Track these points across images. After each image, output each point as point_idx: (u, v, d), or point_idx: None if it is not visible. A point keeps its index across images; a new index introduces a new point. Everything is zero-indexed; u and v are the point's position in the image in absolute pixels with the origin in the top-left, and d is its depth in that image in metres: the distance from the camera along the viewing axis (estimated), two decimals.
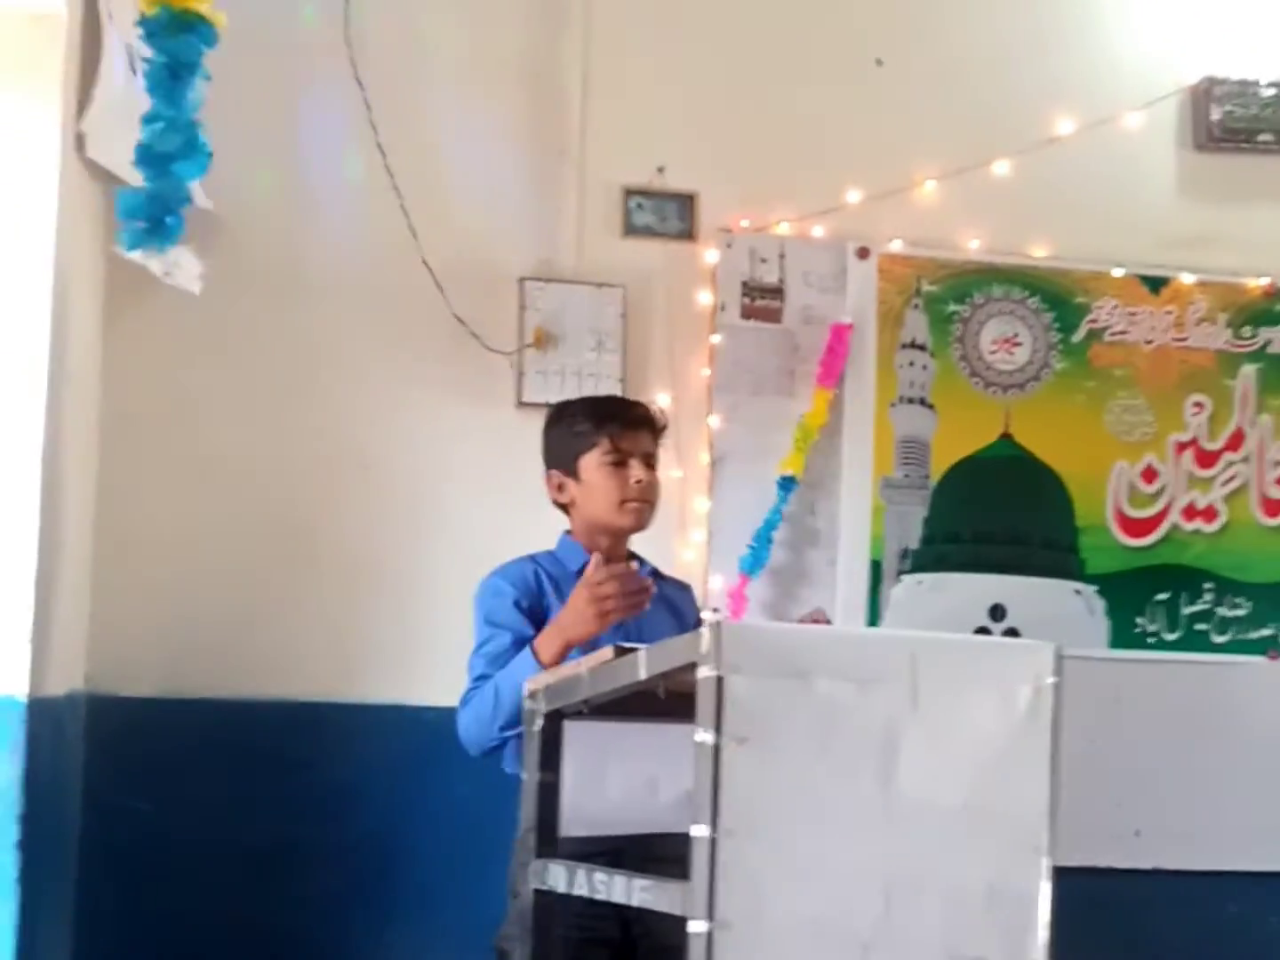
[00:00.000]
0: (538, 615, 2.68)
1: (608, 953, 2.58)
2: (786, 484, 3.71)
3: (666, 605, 2.81)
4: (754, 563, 3.68)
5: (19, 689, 2.67)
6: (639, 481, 2.73)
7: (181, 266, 2.62)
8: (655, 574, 2.87)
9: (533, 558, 2.80)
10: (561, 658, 2.55)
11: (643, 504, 2.75)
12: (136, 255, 2.56)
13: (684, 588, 3.00)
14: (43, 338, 2.81)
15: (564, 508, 2.85)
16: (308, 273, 3.59)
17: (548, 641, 2.57)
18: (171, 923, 3.33)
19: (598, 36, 3.74)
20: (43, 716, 2.78)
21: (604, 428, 2.75)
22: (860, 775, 1.95)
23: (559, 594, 2.69)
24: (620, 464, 2.74)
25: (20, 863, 2.65)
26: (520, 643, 2.63)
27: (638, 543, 2.88)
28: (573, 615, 2.56)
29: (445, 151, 3.66)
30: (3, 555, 2.72)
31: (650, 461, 2.79)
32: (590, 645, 2.52)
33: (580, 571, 2.68)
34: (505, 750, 2.64)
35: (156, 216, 2.52)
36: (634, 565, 2.68)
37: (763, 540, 3.68)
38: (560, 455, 2.81)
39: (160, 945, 3.33)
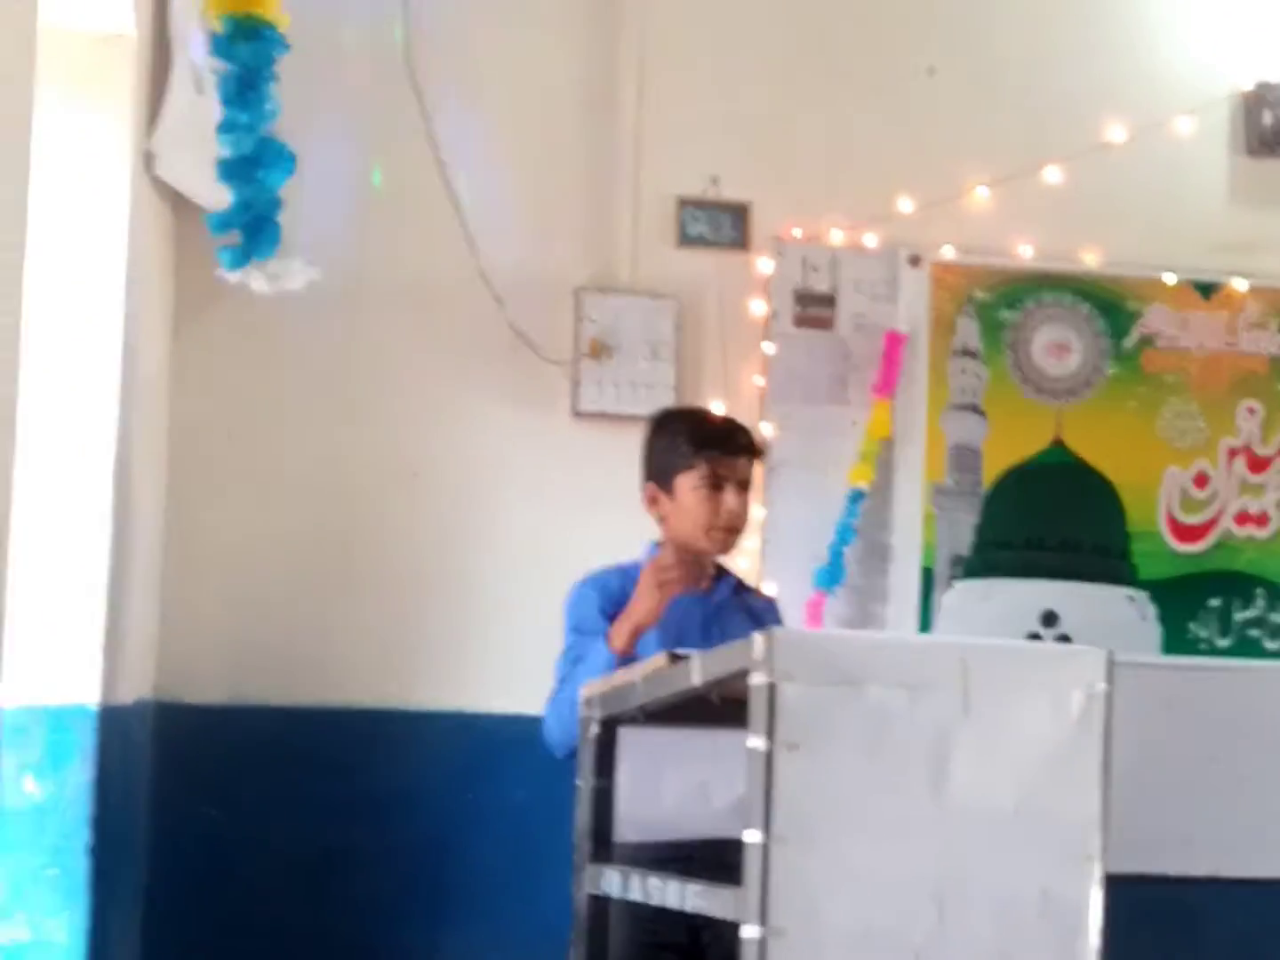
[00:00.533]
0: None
1: (675, 958, 2.61)
2: (856, 496, 3.72)
3: (749, 616, 2.82)
4: (831, 578, 3.69)
5: (91, 698, 2.74)
6: (730, 511, 2.76)
7: (288, 272, 2.61)
8: (740, 586, 2.91)
9: (620, 568, 2.83)
10: (631, 641, 2.60)
11: (729, 532, 2.78)
12: (239, 276, 2.55)
13: (769, 602, 3.02)
14: (114, 353, 2.87)
15: (657, 519, 2.87)
16: (368, 286, 3.63)
17: (617, 629, 2.63)
18: (236, 925, 3.39)
19: (652, 48, 3.77)
20: (113, 724, 2.83)
21: (704, 451, 2.77)
22: (911, 782, 1.96)
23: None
24: (716, 488, 2.76)
25: (91, 867, 2.71)
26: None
27: None
28: (638, 596, 2.62)
29: (502, 163, 3.70)
30: (76, 565, 2.78)
31: (745, 486, 2.81)
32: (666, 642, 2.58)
33: None
34: None
35: (251, 227, 2.51)
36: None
37: (837, 554, 3.69)
38: (658, 469, 2.83)
39: (226, 947, 3.39)
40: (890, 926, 1.92)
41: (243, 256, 2.51)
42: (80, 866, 2.70)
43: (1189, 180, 4.00)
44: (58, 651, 2.74)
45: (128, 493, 2.99)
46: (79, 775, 2.71)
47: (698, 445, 2.78)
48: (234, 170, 2.50)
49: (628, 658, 2.59)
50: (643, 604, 2.60)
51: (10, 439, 1.97)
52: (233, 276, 2.53)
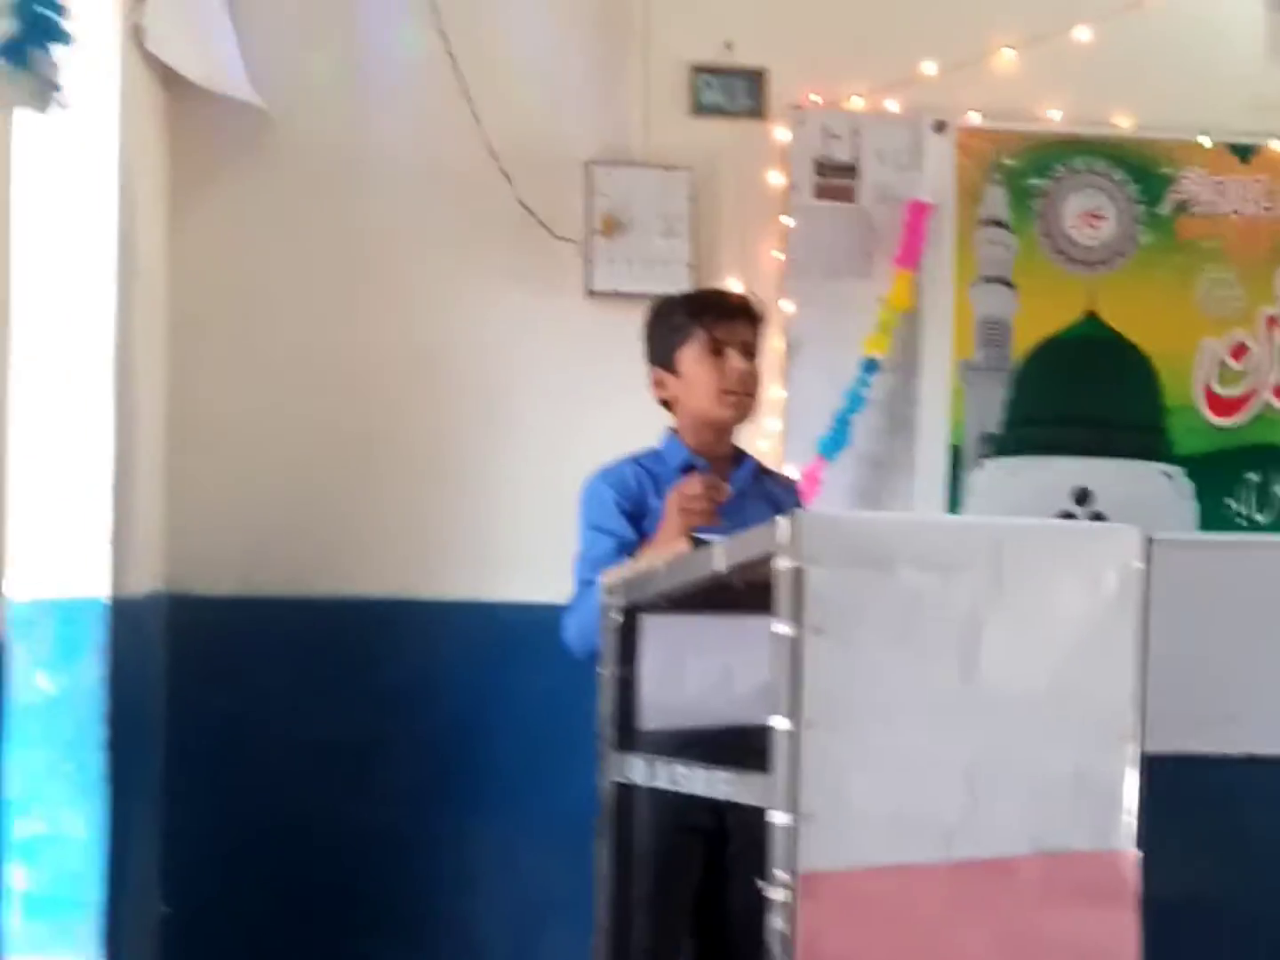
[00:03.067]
0: (639, 516, 2.67)
1: (702, 841, 2.60)
2: (869, 366, 3.63)
3: (768, 500, 2.77)
4: (833, 445, 3.61)
5: (102, 590, 2.71)
6: (737, 370, 2.70)
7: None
8: (760, 469, 2.86)
9: (635, 458, 2.79)
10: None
11: (743, 394, 2.72)
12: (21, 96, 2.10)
13: (789, 485, 2.97)
14: (110, 235, 2.81)
15: (667, 405, 2.81)
16: (370, 163, 3.54)
17: (641, 558, 2.56)
18: (255, 816, 3.39)
19: None
20: (125, 617, 2.81)
21: (699, 318, 2.72)
22: (943, 664, 1.93)
23: (659, 493, 2.67)
24: (718, 354, 2.71)
25: (108, 762, 2.70)
26: (623, 546, 2.63)
27: None
28: (663, 529, 2.57)
29: (508, 33, 3.58)
30: (81, 457, 2.74)
31: (749, 351, 2.75)
32: None
33: (682, 469, 2.69)
34: None
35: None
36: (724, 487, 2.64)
37: (842, 423, 3.61)
38: (659, 351, 2.78)
39: (245, 838, 3.39)
40: (921, 809, 1.91)
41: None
42: (96, 761, 2.70)
43: (1224, 38, 3.85)
44: (66, 544, 2.73)
45: (130, 382, 2.93)
46: (92, 669, 2.69)
47: (693, 314, 2.74)
48: None
49: None
50: (668, 535, 2.55)
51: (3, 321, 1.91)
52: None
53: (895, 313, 3.65)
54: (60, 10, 2.11)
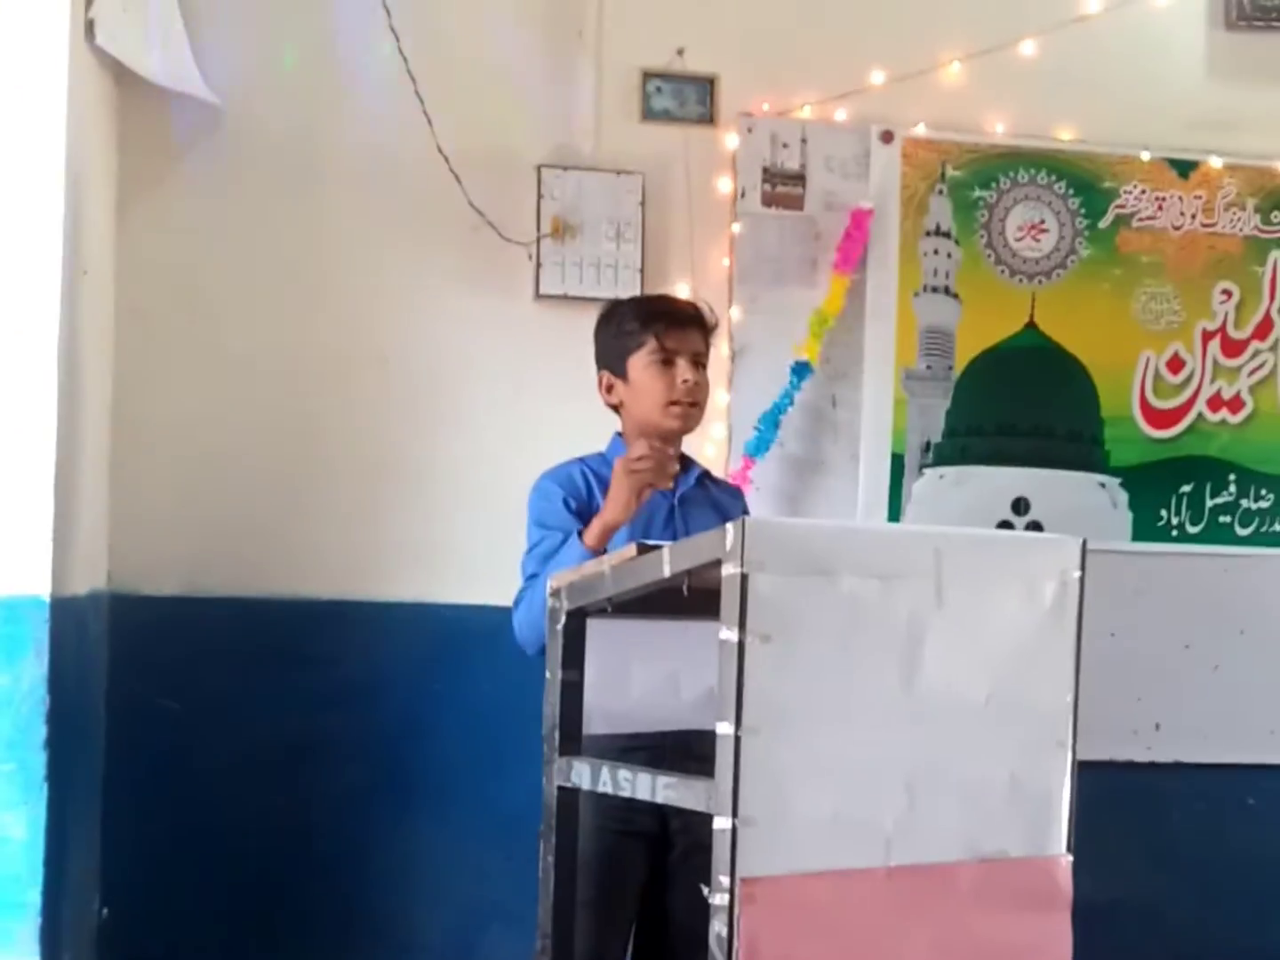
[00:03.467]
0: (586, 515, 2.67)
1: (644, 845, 2.61)
2: (800, 370, 3.65)
3: (714, 507, 2.80)
4: (758, 445, 3.62)
5: (42, 588, 2.68)
6: (685, 381, 2.70)
7: None
8: (705, 476, 2.87)
9: (581, 460, 2.80)
10: (604, 540, 2.57)
11: (690, 406, 2.73)
12: None
13: (734, 491, 2.99)
14: (56, 230, 2.77)
15: (615, 409, 2.83)
16: (321, 163, 3.52)
17: (590, 526, 2.59)
18: (195, 818, 3.37)
19: None
20: (66, 616, 2.79)
21: (651, 326, 2.72)
22: (884, 671, 1.96)
23: (605, 494, 2.66)
24: (668, 363, 2.72)
25: (48, 762, 2.67)
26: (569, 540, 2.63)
27: None
28: (610, 494, 2.58)
29: (460, 35, 3.57)
30: (22, 453, 2.71)
31: (699, 360, 2.76)
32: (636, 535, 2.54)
33: None
34: None
35: None
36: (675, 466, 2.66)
37: (769, 423, 3.62)
38: (609, 355, 2.78)
39: (184, 839, 3.37)
40: (861, 814, 1.94)
41: None
42: (37, 761, 2.67)
43: (1167, 55, 3.92)
44: (6, 541, 2.68)
45: (74, 378, 2.90)
46: (33, 669, 2.66)
47: (645, 322, 2.74)
48: None
49: (601, 555, 2.54)
50: (616, 500, 2.56)
51: None
52: None
53: (827, 317, 3.68)
54: None
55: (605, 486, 2.67)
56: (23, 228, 2.73)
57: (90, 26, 2.95)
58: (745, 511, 2.90)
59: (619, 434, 2.83)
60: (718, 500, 2.84)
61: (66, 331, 2.80)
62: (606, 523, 2.57)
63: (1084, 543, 2.11)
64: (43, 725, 2.66)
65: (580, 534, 2.59)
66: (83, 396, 3.01)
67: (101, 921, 3.31)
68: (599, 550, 2.55)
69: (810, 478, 3.71)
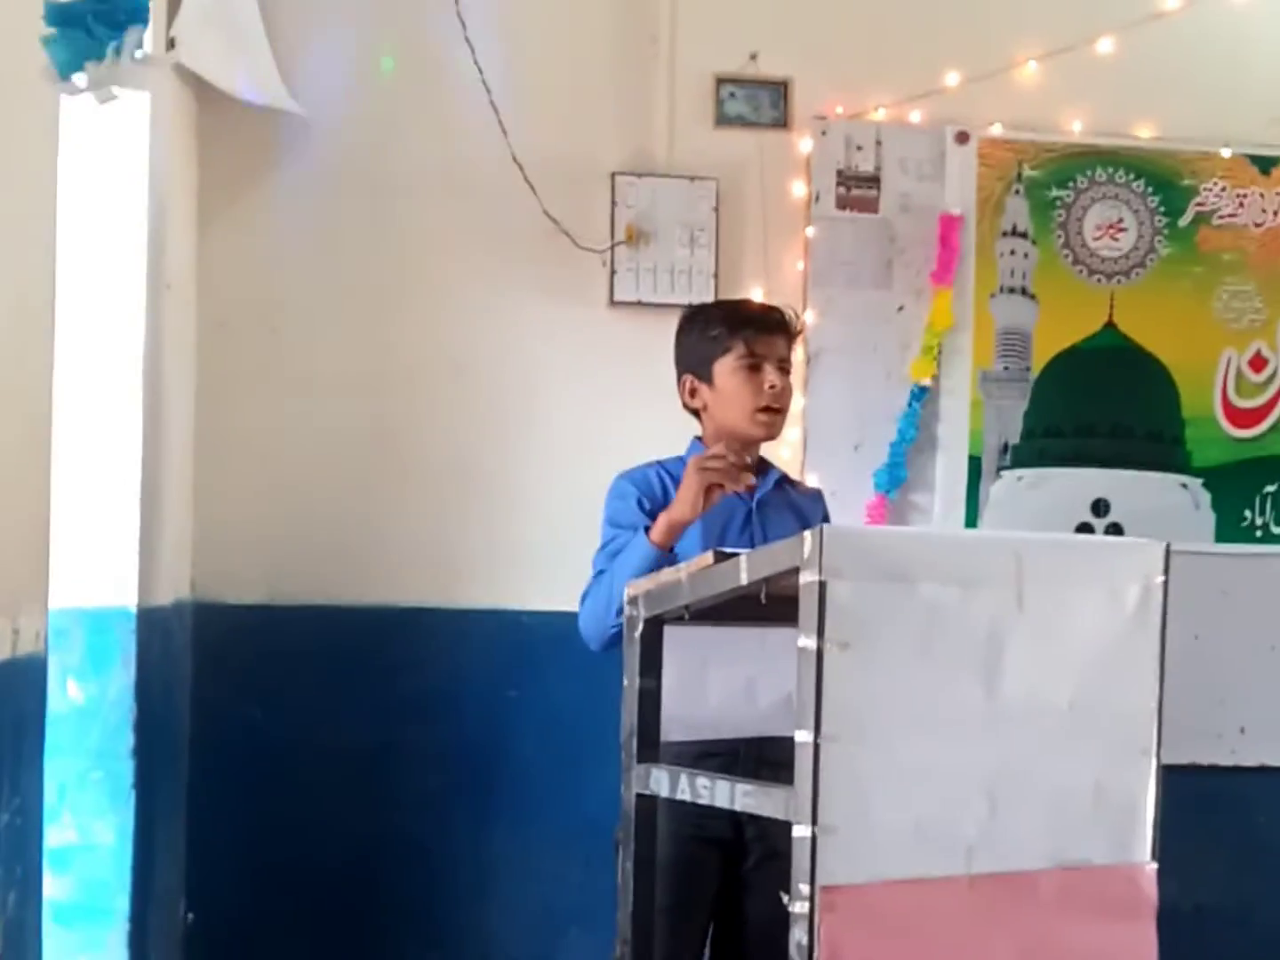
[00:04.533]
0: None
1: (719, 852, 2.61)
2: (919, 393, 3.64)
3: (793, 511, 2.78)
4: (891, 480, 3.63)
5: (129, 600, 2.72)
6: (773, 387, 2.69)
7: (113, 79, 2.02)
8: (784, 480, 2.86)
9: (659, 463, 2.79)
10: (671, 535, 2.56)
11: (777, 412, 2.72)
12: (81, 81, 1.96)
13: (814, 495, 2.96)
14: (140, 245, 2.83)
15: (696, 413, 2.82)
16: (399, 174, 3.56)
17: (657, 522, 2.58)
18: (278, 823, 3.41)
19: None
20: (152, 626, 2.84)
21: (739, 331, 2.71)
22: (965, 678, 1.94)
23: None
24: (755, 369, 2.71)
25: (136, 770, 2.72)
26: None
27: None
28: (680, 490, 2.57)
29: (534, 44, 3.59)
30: (109, 467, 2.75)
31: (785, 366, 2.74)
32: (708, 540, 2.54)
33: None
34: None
35: (99, 12, 1.92)
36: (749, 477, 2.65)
37: (899, 454, 3.62)
38: (694, 359, 2.77)
39: (268, 845, 3.41)
40: (942, 823, 1.92)
41: (83, 51, 1.90)
42: (125, 769, 2.72)
43: (1246, 50, 3.85)
44: (95, 554, 2.74)
45: (158, 392, 2.95)
46: (121, 678, 2.71)
47: (732, 327, 2.72)
48: None
49: (668, 552, 2.55)
50: (684, 496, 2.56)
51: (49, 345, 1.93)
52: (78, 82, 1.94)
53: (939, 332, 3.66)
54: None
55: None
56: (107, 243, 2.78)
57: (172, 43, 3.00)
58: (825, 514, 2.88)
59: (698, 438, 2.82)
60: (796, 504, 2.82)
61: (150, 346, 2.85)
62: (673, 519, 2.56)
63: (1167, 546, 2.08)
64: (130, 734, 2.72)
65: (647, 530, 2.59)
66: (166, 410, 3.06)
67: (187, 927, 3.36)
68: (666, 546, 2.55)
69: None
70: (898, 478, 3.64)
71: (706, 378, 2.75)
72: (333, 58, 3.51)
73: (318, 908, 3.45)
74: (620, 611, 2.47)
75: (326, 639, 3.46)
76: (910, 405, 3.65)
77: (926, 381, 3.66)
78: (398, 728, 3.46)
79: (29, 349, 2.00)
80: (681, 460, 2.78)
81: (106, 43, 1.94)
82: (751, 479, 2.64)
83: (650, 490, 2.73)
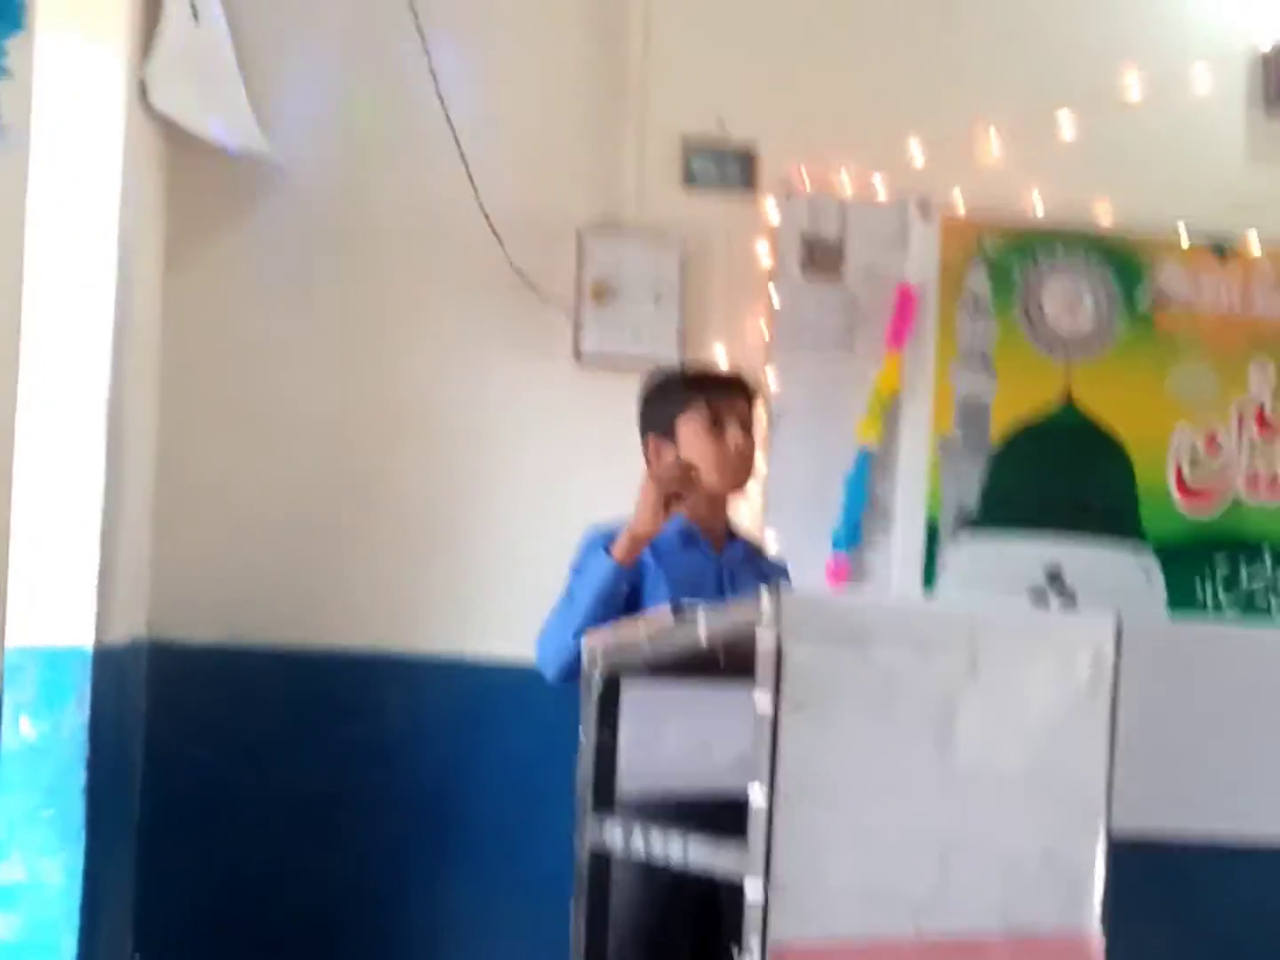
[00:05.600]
0: (629, 576, 2.67)
1: (688, 922, 2.60)
2: (866, 457, 3.68)
3: (760, 577, 2.78)
4: (849, 540, 3.66)
5: (85, 639, 2.71)
6: (737, 445, 2.75)
7: None
8: (751, 548, 2.90)
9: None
10: (632, 553, 2.60)
11: (740, 468, 2.78)
12: None
13: (781, 568, 2.99)
14: (108, 286, 2.83)
15: None
16: (367, 222, 3.58)
17: (620, 539, 2.63)
18: (231, 867, 3.39)
19: None
20: (107, 665, 2.82)
21: (702, 391, 2.77)
22: (918, 743, 1.96)
23: (655, 554, 2.70)
24: (718, 425, 2.76)
25: (87, 808, 2.70)
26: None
27: None
28: (637, 505, 2.62)
29: (505, 98, 3.63)
30: (68, 506, 2.75)
31: (747, 426, 2.80)
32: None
33: (679, 534, 2.73)
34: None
35: None
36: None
37: (853, 517, 3.66)
38: (657, 420, 2.82)
39: (218, 888, 3.38)
40: (894, 884, 1.94)
41: None
42: (76, 807, 2.70)
43: (1205, 136, 3.93)
44: (51, 592, 2.72)
45: (120, 432, 2.95)
46: (74, 716, 2.70)
47: (695, 387, 2.79)
48: None
49: (629, 568, 2.60)
50: (643, 509, 2.61)
51: (13, 382, 1.94)
52: None
53: (887, 396, 3.71)
54: None
55: (654, 548, 2.69)
56: (74, 284, 2.78)
57: (144, 87, 3.02)
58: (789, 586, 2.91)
59: None
60: (765, 573, 2.84)
61: (114, 385, 2.85)
62: (635, 533, 2.61)
63: (1119, 619, 2.11)
64: (83, 772, 2.70)
65: (608, 549, 2.62)
66: (128, 450, 3.06)
67: None
68: (627, 562, 2.59)
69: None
70: (854, 538, 3.67)
71: (671, 436, 2.79)
72: (305, 105, 3.54)
73: (267, 953, 3.41)
74: (579, 631, 2.52)
75: (283, 682, 3.45)
76: (857, 468, 3.68)
77: (872, 443, 3.69)
78: (352, 773, 3.44)
79: None
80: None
81: None
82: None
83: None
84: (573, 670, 2.58)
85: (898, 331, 3.72)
